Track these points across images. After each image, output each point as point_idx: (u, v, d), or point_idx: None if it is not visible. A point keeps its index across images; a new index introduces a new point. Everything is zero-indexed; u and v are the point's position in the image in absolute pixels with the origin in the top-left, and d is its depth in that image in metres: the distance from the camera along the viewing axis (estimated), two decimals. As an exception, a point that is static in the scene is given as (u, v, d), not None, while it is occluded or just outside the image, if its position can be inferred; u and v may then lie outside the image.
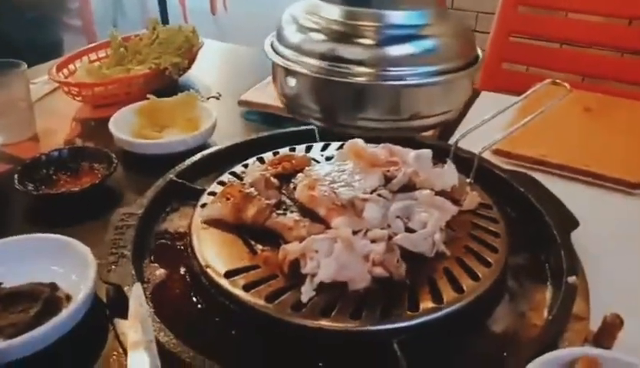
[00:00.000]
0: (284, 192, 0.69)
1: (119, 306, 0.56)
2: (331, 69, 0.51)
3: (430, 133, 0.92)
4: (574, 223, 0.66)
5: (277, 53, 0.57)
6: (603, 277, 0.62)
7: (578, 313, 0.56)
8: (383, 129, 0.55)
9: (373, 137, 0.80)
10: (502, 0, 1.40)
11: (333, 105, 0.54)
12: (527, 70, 1.57)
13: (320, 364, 0.52)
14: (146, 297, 0.58)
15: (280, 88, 0.59)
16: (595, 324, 0.55)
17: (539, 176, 0.78)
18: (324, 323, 0.51)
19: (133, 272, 0.59)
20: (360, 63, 0.51)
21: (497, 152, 0.87)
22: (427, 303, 0.54)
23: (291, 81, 0.55)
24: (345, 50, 0.51)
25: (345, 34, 0.51)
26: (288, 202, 0.67)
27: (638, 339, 0.53)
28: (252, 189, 0.66)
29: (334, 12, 0.53)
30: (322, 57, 0.52)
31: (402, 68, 0.51)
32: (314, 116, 0.56)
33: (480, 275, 0.57)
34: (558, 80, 0.75)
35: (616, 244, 0.70)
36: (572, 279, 0.57)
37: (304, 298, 0.53)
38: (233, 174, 0.75)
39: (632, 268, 0.67)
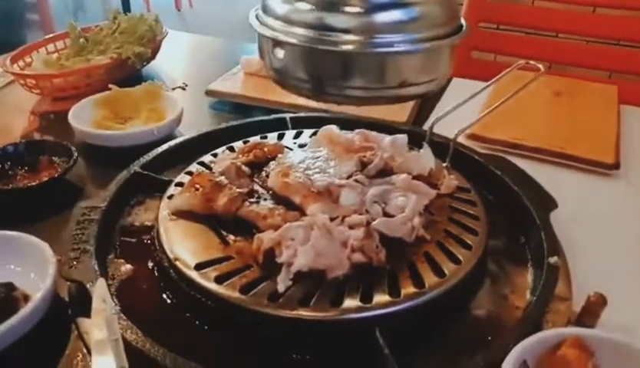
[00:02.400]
0: (256, 180, 0.67)
1: (82, 304, 0.52)
2: (318, 38, 0.50)
3: (404, 119, 0.91)
4: (553, 204, 0.65)
5: (263, 24, 0.55)
6: (583, 258, 0.61)
7: (561, 294, 0.55)
8: (372, 98, 0.54)
9: (348, 123, 0.79)
10: (470, -12, 1.40)
11: (322, 75, 0.53)
12: (495, 59, 1.57)
13: (298, 356, 0.50)
14: (112, 295, 0.54)
15: (268, 61, 0.57)
16: (576, 306, 0.54)
17: (513, 159, 0.77)
18: (303, 312, 0.49)
19: (97, 267, 0.55)
20: (347, 31, 0.50)
21: (472, 137, 0.86)
22: (408, 289, 0.52)
23: (279, 52, 0.54)
24: (332, 19, 0.50)
25: (332, 3, 0.51)
26: (260, 190, 0.64)
27: (619, 317, 0.52)
28: (223, 178, 0.63)
29: None
30: (309, 26, 0.51)
31: (390, 35, 0.50)
32: (303, 87, 0.55)
33: (462, 258, 0.55)
34: (532, 61, 0.74)
35: (594, 224, 0.70)
36: (553, 259, 0.56)
37: (280, 288, 0.50)
38: (202, 164, 0.72)
39: (611, 248, 0.67)
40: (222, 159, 0.71)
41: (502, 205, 0.69)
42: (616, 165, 0.80)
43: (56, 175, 0.74)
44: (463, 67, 1.36)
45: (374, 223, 0.57)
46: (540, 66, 0.73)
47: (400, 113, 0.92)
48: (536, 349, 0.46)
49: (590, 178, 0.80)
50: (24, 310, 0.51)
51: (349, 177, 0.64)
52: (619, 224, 0.71)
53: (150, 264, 0.60)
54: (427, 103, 0.98)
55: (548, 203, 0.66)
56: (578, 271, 0.58)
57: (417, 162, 0.67)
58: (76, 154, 0.77)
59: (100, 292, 0.51)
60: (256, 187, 0.65)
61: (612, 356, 0.46)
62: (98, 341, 0.45)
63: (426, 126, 0.84)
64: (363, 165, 0.67)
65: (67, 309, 0.55)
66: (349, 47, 0.50)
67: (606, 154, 0.81)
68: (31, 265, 0.58)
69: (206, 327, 0.53)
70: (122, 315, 0.50)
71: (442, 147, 0.71)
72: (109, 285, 0.55)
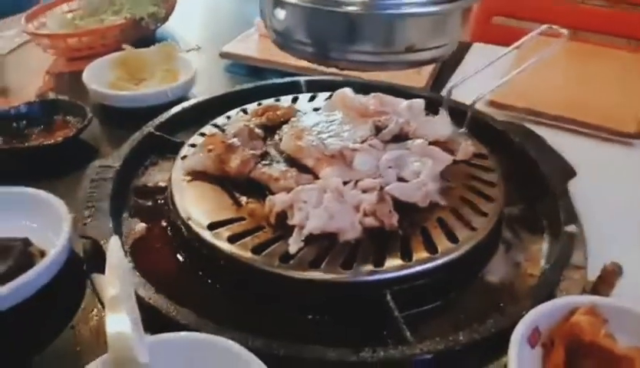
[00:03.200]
0: (269, 143, 0.66)
1: (96, 261, 0.53)
2: None
3: (422, 84, 0.89)
4: (571, 172, 0.64)
5: None
6: (600, 227, 0.60)
7: (576, 263, 0.54)
8: (377, 63, 0.52)
9: (364, 87, 0.77)
10: (493, -49, 1.35)
11: (325, 38, 0.51)
12: (518, 24, 1.53)
13: (309, 317, 0.50)
14: (125, 252, 0.55)
15: (269, 22, 0.55)
16: (591, 275, 0.53)
17: (532, 127, 0.75)
18: (314, 274, 0.49)
19: (111, 225, 0.55)
20: None
21: (491, 104, 0.84)
22: (420, 254, 0.51)
23: (280, 13, 0.52)
24: None
25: None
26: (273, 153, 0.64)
27: (635, 288, 0.51)
28: (236, 140, 0.63)
29: None
30: None
31: None
32: (305, 50, 0.53)
33: (476, 225, 0.55)
34: (555, 26, 0.72)
35: (613, 194, 0.68)
36: (571, 228, 0.55)
37: (292, 249, 0.50)
38: (215, 125, 0.71)
39: (629, 218, 0.65)
40: (235, 120, 0.70)
41: (519, 173, 0.68)
42: (638, 135, 0.78)
43: (70, 135, 0.74)
44: (484, 32, 1.33)
45: (387, 187, 0.56)
46: (564, 31, 0.70)
47: (419, 78, 0.90)
48: (548, 316, 0.45)
49: (611, 147, 0.78)
50: (41, 264, 0.52)
51: (363, 141, 0.63)
52: (638, 194, 0.70)
53: (164, 224, 0.60)
54: (446, 68, 0.96)
55: (566, 171, 0.64)
56: (594, 241, 0.57)
57: (433, 127, 0.66)
58: (90, 114, 0.77)
59: (114, 249, 0.51)
60: (269, 150, 0.64)
61: (626, 325, 0.45)
62: (112, 297, 0.45)
63: (444, 91, 0.82)
64: (378, 129, 0.65)
65: (82, 265, 0.56)
66: (353, 8, 0.48)
67: (628, 123, 0.79)
68: (46, 222, 0.59)
69: (218, 286, 0.53)
70: (136, 272, 0.51)
71: (460, 113, 0.69)
72: (123, 243, 0.56)
